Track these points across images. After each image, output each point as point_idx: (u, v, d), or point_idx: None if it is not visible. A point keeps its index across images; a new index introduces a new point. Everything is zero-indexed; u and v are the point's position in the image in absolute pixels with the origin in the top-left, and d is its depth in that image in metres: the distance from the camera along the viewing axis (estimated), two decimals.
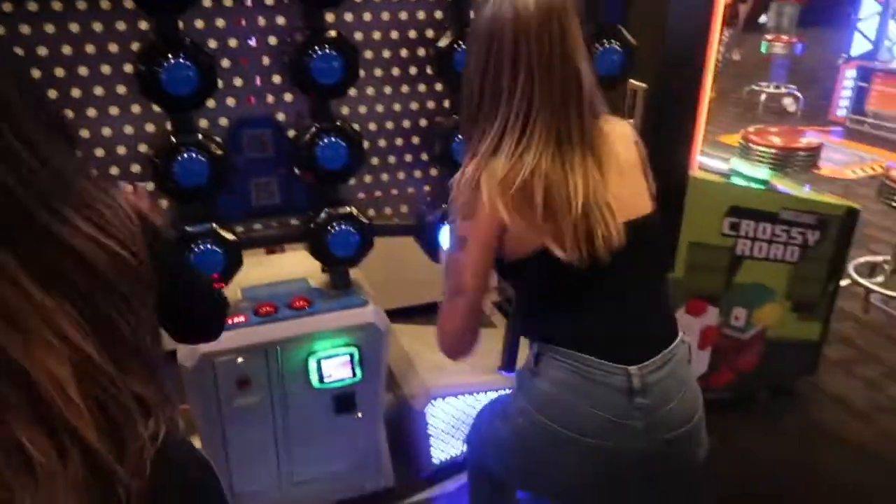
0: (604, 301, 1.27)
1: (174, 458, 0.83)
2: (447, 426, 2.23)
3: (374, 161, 1.97)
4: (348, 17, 1.79)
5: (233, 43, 1.72)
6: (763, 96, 7.98)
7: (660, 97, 2.08)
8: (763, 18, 9.17)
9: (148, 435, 0.75)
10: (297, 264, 2.09)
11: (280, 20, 1.74)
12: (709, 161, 2.67)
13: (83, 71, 1.59)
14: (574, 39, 1.21)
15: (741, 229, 2.47)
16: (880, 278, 3.49)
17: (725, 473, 2.50)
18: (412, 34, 1.87)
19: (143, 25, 1.61)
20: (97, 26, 1.58)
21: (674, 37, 2.02)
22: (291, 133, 1.84)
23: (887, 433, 2.72)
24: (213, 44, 1.69)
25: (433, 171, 2.04)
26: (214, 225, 1.73)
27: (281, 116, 1.84)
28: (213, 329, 1.12)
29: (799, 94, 7.95)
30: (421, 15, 1.86)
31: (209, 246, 1.71)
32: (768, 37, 8.10)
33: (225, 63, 1.72)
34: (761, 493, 2.41)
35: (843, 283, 3.39)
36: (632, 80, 2.12)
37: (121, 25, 1.60)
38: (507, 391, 2.14)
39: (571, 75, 1.21)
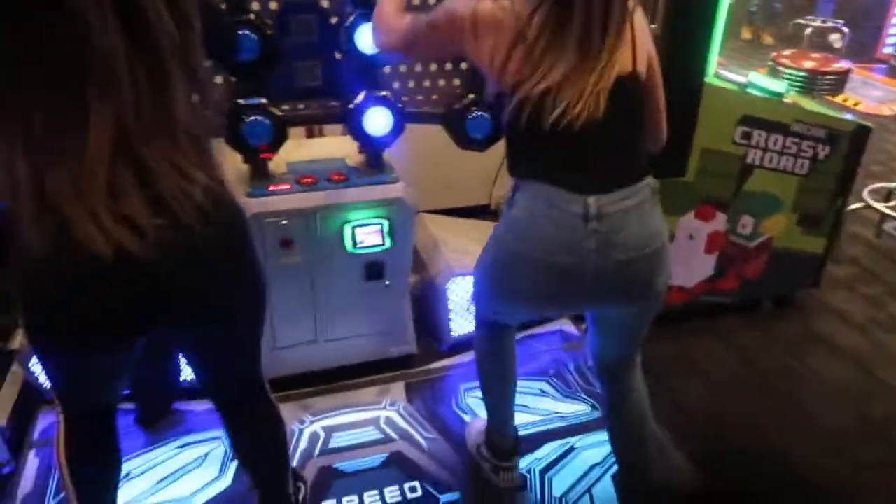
0: (574, 144, 1.43)
1: (223, 199, 1.24)
2: (466, 304, 2.47)
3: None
4: None
5: None
6: (809, 30, 7.82)
7: (680, 2, 2.20)
8: None
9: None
10: (336, 147, 2.31)
11: None
12: (728, 74, 2.77)
13: None
14: None
15: (753, 138, 2.60)
16: (894, 203, 3.58)
17: (722, 367, 2.72)
18: None
19: None
20: None
21: None
22: (334, 20, 2.01)
23: (882, 345, 2.89)
24: None
25: (463, 65, 2.20)
26: (264, 100, 1.94)
27: (325, 3, 2.01)
28: None
29: (845, 30, 7.77)
30: None
31: (259, 118, 1.92)
32: None
33: None
34: (755, 387, 2.62)
35: (857, 205, 3.51)
36: None
37: None
38: None
39: None
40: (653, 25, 2.32)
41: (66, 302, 1.16)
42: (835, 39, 7.83)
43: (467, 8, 1.46)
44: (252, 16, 1.86)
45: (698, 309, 2.91)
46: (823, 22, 7.95)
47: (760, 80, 2.81)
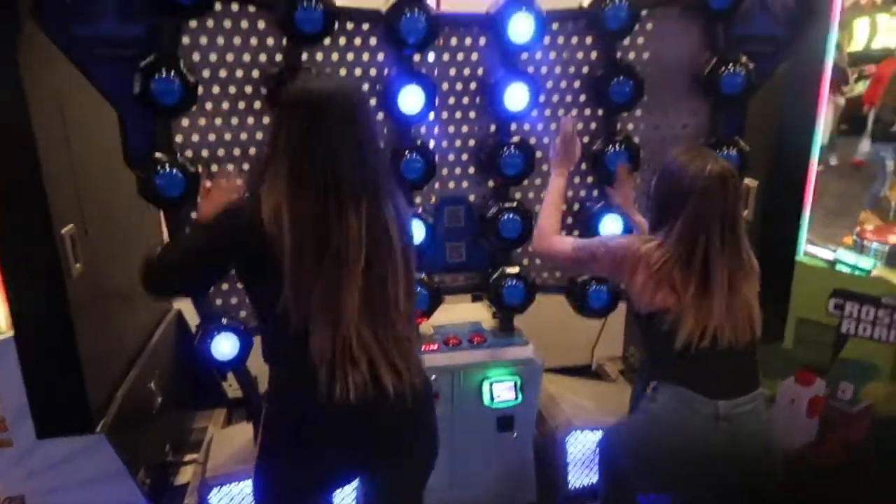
0: (706, 358, 1.79)
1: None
2: (583, 457, 2.68)
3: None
4: (526, 127, 2.43)
5: (444, 143, 2.40)
6: (894, 202, 8.01)
7: (769, 193, 2.57)
8: None
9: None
10: (472, 313, 2.69)
11: (476, 129, 2.41)
12: (817, 250, 3.05)
13: None
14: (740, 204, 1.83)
15: (846, 310, 2.83)
16: None
17: None
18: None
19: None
20: None
21: (781, 142, 2.53)
22: (478, 210, 2.47)
23: None
24: (431, 143, 2.37)
25: None
26: (423, 274, 2.36)
27: (472, 198, 2.48)
28: None
29: None
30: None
31: (419, 289, 2.32)
32: None
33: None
34: None
35: None
36: (746, 179, 2.62)
37: None
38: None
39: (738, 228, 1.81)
40: (745, 211, 2.69)
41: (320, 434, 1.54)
42: None
43: (623, 249, 1.88)
44: (419, 209, 2.33)
45: (803, 472, 3.00)
46: None
47: (847, 257, 3.08)
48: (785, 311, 2.76)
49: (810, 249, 3.00)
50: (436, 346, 2.42)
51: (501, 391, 2.42)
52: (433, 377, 2.33)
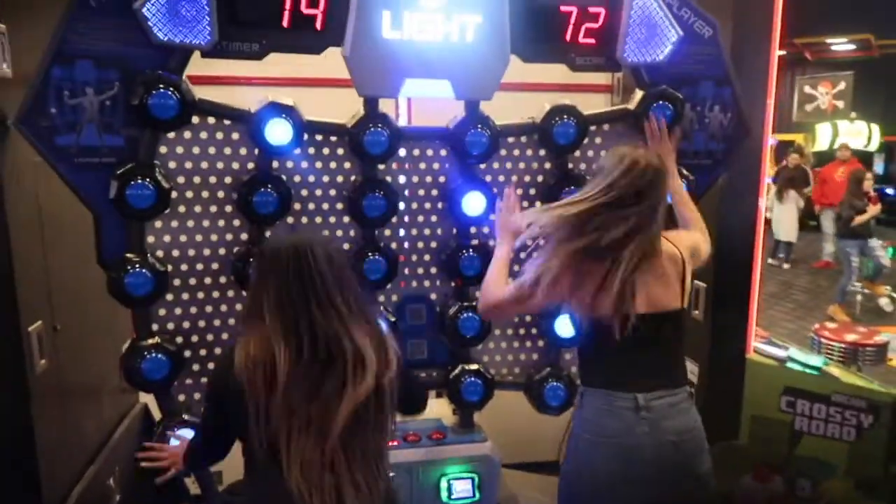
0: (628, 358, 1.91)
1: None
2: None
3: (497, 332, 2.65)
4: (485, 230, 2.57)
5: (406, 245, 2.53)
6: (859, 297, 8.24)
7: (718, 294, 2.71)
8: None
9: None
10: (434, 408, 2.74)
11: (437, 232, 2.55)
12: (769, 348, 3.17)
13: None
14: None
15: (798, 407, 2.92)
16: None
17: None
18: None
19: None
20: None
21: (725, 247, 2.68)
22: (438, 308, 2.57)
23: None
24: (394, 245, 2.50)
25: (540, 343, 2.69)
26: None
27: (433, 296, 2.58)
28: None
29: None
30: None
31: None
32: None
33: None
34: None
35: None
36: (696, 282, 2.76)
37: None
38: None
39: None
40: (696, 312, 2.82)
41: None
42: (884, 304, 8.23)
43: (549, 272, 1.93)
44: (381, 308, 2.43)
45: None
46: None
47: (799, 355, 3.19)
48: (738, 409, 2.83)
49: (762, 347, 3.11)
50: (396, 443, 2.46)
51: (459, 488, 2.45)
52: (392, 474, 2.37)
